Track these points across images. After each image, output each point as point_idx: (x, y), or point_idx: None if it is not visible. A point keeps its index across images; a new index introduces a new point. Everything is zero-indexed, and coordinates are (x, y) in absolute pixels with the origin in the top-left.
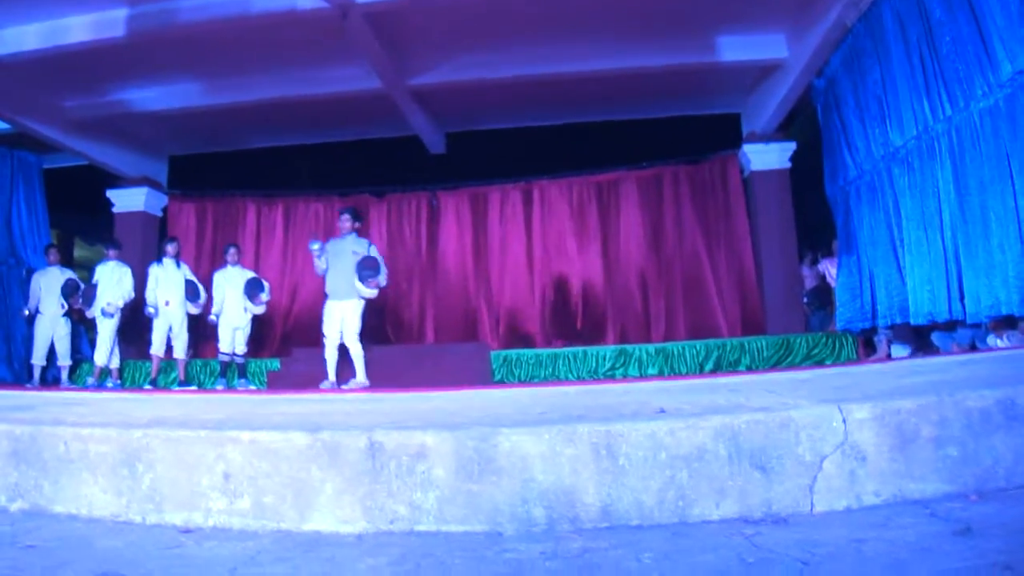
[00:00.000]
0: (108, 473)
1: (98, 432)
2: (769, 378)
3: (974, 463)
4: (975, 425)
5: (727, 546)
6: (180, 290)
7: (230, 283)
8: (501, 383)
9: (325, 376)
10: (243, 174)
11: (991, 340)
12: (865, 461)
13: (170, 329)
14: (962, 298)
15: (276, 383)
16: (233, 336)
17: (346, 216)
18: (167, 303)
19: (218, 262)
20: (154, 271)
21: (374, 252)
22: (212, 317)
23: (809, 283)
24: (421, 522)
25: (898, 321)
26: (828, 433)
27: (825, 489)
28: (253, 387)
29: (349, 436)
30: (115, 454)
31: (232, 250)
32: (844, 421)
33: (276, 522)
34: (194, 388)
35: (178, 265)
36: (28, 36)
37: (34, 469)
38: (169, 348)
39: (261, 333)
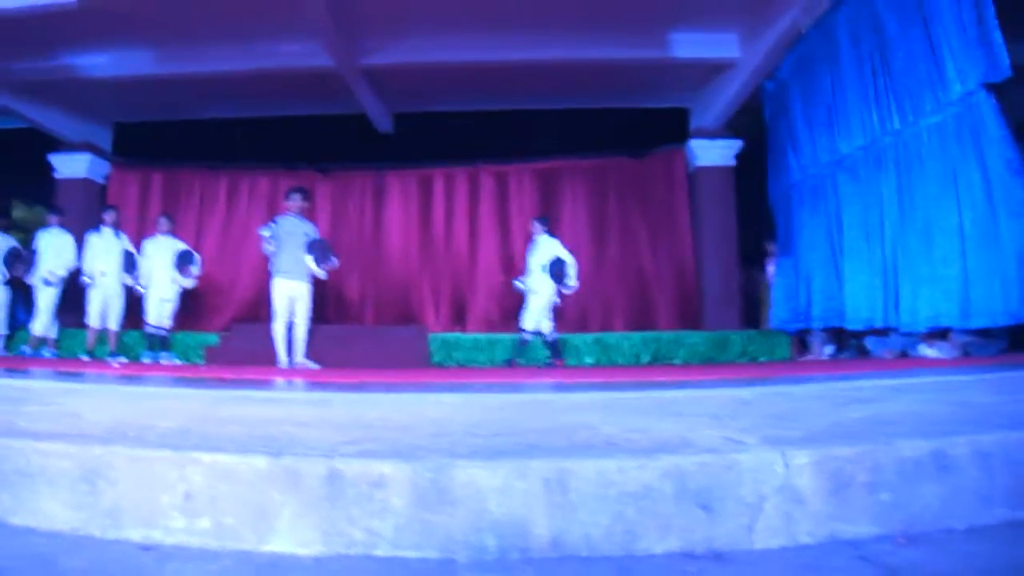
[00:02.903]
0: (68, 488)
1: (59, 447)
2: (712, 395)
3: (904, 508)
4: (908, 473)
5: None
6: (117, 260)
7: (159, 253)
8: (440, 366)
9: (275, 357)
10: (188, 144)
11: (922, 349)
12: (802, 503)
13: (106, 299)
14: (898, 307)
15: (214, 359)
16: (160, 308)
17: (299, 196)
18: (103, 273)
19: None
20: (92, 240)
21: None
22: (139, 288)
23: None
24: (378, 547)
25: (834, 325)
26: (770, 476)
27: (764, 528)
28: (177, 361)
29: (310, 463)
30: (75, 470)
31: (162, 219)
32: (786, 465)
33: (236, 542)
34: (125, 360)
35: (117, 235)
36: None
37: None
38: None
39: (199, 306)
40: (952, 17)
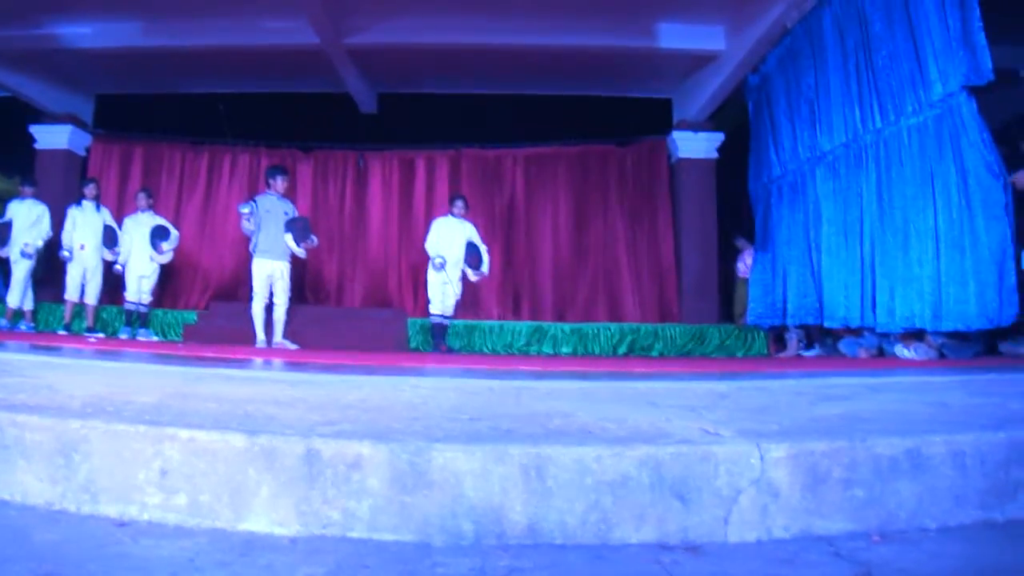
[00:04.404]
0: (44, 461)
1: (35, 420)
2: (688, 387)
3: (879, 505)
4: (883, 470)
5: (646, 573)
6: (97, 234)
7: (139, 230)
8: (417, 351)
9: (253, 336)
10: (171, 118)
11: (898, 350)
12: (778, 497)
13: (84, 273)
14: (874, 306)
15: (192, 337)
16: (139, 284)
17: (283, 177)
18: (82, 247)
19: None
20: (72, 213)
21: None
22: (117, 267)
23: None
24: (354, 529)
25: (810, 322)
26: (746, 469)
27: (739, 521)
28: (155, 339)
29: (287, 442)
30: (51, 443)
31: (141, 195)
32: (762, 458)
33: (212, 520)
34: (101, 335)
35: (98, 208)
36: None
37: None
38: (82, 292)
39: (178, 284)
40: (936, 18)
